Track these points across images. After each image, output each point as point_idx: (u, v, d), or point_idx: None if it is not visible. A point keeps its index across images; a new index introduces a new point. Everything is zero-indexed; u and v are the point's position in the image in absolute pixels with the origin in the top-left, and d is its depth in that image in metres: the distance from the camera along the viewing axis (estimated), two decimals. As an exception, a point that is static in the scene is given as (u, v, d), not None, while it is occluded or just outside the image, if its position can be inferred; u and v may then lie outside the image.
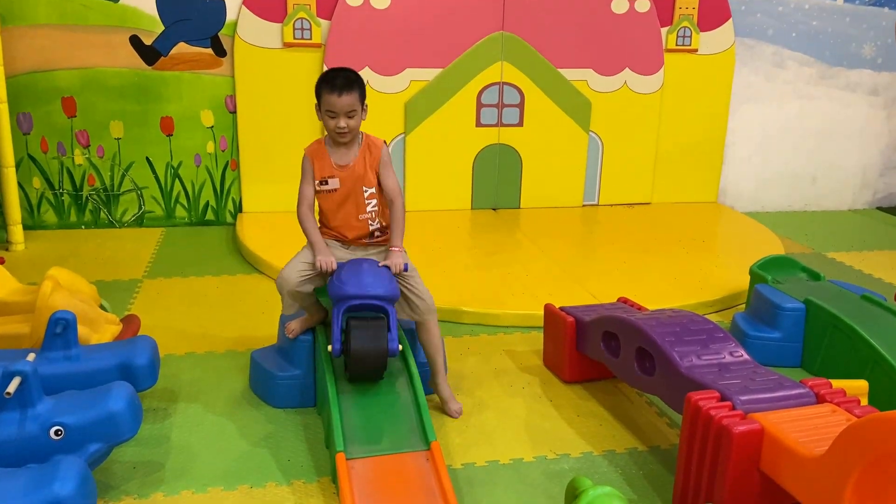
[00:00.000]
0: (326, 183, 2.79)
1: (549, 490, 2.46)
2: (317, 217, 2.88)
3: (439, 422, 2.82)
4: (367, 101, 2.76)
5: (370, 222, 2.81)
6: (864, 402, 2.43)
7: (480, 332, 3.64)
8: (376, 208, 2.80)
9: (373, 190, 2.77)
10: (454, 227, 5.15)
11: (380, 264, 2.70)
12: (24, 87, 4.82)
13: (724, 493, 2.13)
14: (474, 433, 2.78)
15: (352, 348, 2.56)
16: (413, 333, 2.95)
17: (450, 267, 4.33)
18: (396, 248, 2.75)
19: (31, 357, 2.35)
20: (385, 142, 2.82)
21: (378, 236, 2.85)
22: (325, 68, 4.98)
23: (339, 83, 2.67)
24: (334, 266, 2.71)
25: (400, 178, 5.32)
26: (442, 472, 2.28)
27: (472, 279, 4.15)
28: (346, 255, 2.82)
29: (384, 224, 2.84)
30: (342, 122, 2.68)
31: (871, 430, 1.79)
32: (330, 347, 2.59)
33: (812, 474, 1.94)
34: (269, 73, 5.03)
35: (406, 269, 2.72)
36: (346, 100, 2.67)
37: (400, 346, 2.63)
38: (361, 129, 2.78)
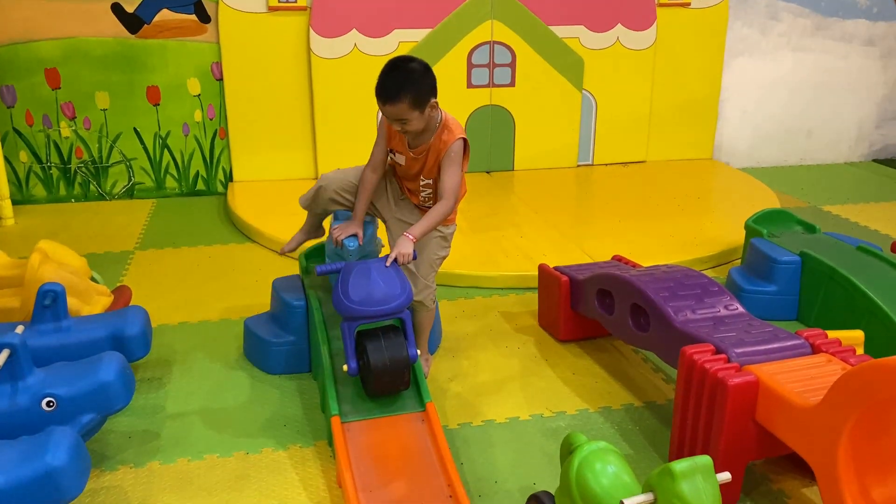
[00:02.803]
0: (394, 154, 2.64)
1: (546, 447, 2.46)
2: None
3: (435, 383, 2.82)
4: (431, 98, 2.43)
5: (422, 193, 2.66)
6: (860, 351, 2.43)
7: (475, 294, 3.63)
8: (431, 195, 2.65)
9: (430, 181, 2.60)
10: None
11: (389, 257, 2.42)
12: (6, 60, 4.74)
13: (721, 446, 2.13)
14: (470, 394, 2.78)
15: (371, 364, 2.34)
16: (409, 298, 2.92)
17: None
18: (409, 236, 2.45)
19: (20, 329, 2.33)
20: (463, 137, 2.51)
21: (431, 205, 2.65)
22: (312, 32, 4.93)
23: (383, 90, 2.42)
24: (340, 239, 2.58)
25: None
26: (438, 433, 2.28)
27: (466, 242, 4.12)
28: (393, 212, 2.71)
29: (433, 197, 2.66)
30: (397, 126, 2.48)
31: (866, 377, 1.78)
32: (345, 368, 2.37)
33: (807, 424, 1.93)
34: (255, 38, 4.94)
35: (414, 258, 2.47)
36: (392, 110, 2.42)
37: (417, 352, 2.43)
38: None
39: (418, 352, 2.47)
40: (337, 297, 2.36)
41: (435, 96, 2.46)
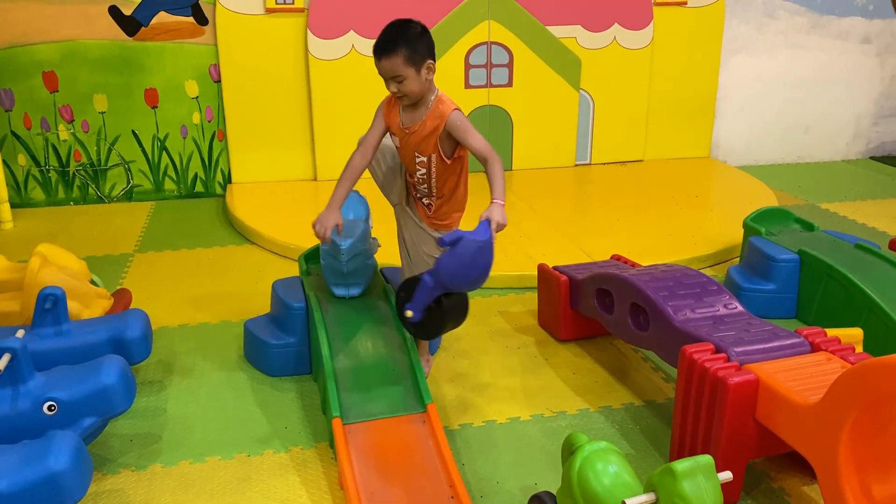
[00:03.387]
0: (392, 137, 2.62)
1: (547, 447, 2.47)
2: None
3: (435, 384, 2.82)
4: (428, 59, 2.41)
5: (418, 188, 2.63)
6: (859, 349, 2.44)
7: (475, 293, 3.63)
8: (425, 176, 2.58)
9: (424, 158, 2.54)
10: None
11: (481, 217, 2.33)
12: (3, 63, 4.74)
13: (721, 444, 2.13)
14: (471, 394, 2.78)
15: (446, 308, 2.39)
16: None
17: (442, 230, 4.30)
18: (497, 201, 2.37)
19: (20, 334, 2.33)
20: (457, 108, 2.49)
21: (432, 212, 2.65)
22: (309, 33, 4.93)
23: (379, 44, 2.40)
24: (325, 237, 2.53)
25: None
26: (439, 434, 2.28)
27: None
28: (412, 224, 2.73)
29: (439, 198, 2.62)
30: (393, 87, 2.44)
31: (865, 375, 1.78)
32: (409, 313, 2.39)
33: (808, 422, 1.94)
34: (253, 39, 4.95)
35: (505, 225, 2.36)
36: (387, 64, 2.40)
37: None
38: (441, 88, 2.51)
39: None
40: (447, 275, 2.30)
41: (432, 59, 2.44)
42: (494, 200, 2.38)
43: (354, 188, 2.70)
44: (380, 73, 2.46)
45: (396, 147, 2.66)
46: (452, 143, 2.52)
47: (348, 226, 2.78)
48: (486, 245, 2.29)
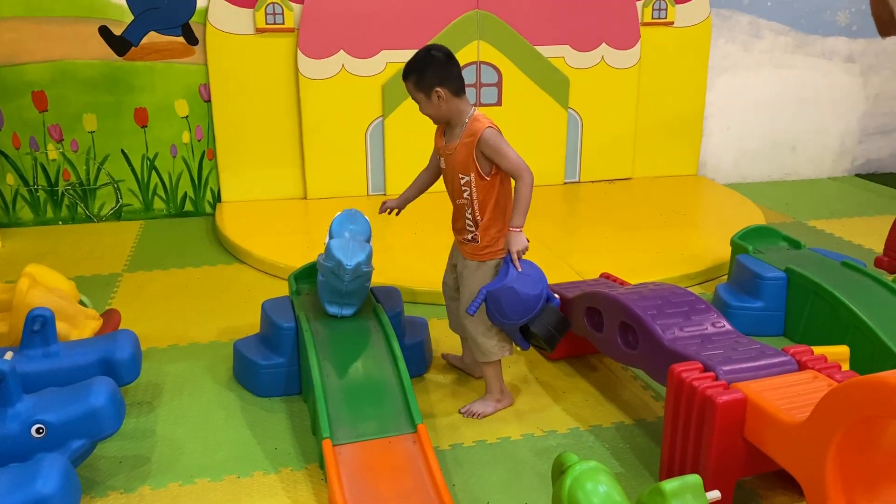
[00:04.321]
0: (439, 159, 2.72)
1: (538, 467, 2.47)
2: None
3: (426, 404, 2.82)
4: (436, 87, 2.50)
5: (466, 211, 2.64)
6: (846, 367, 2.46)
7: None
8: (469, 198, 2.60)
9: (468, 178, 2.57)
10: (436, 209, 5.10)
11: (513, 259, 2.54)
12: (-7, 83, 4.75)
13: (710, 463, 2.14)
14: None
15: (544, 337, 2.63)
16: (398, 319, 2.94)
17: (433, 249, 4.29)
18: (514, 229, 2.51)
19: (8, 356, 2.32)
20: (490, 126, 2.53)
21: (471, 240, 2.66)
22: (299, 53, 4.96)
23: (403, 71, 2.59)
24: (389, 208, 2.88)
25: (379, 162, 5.30)
26: (429, 454, 2.28)
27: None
28: (451, 251, 2.86)
29: (479, 225, 2.63)
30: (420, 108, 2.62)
31: (851, 394, 1.80)
32: (518, 347, 2.73)
33: (795, 440, 1.95)
34: (243, 59, 4.97)
35: (527, 249, 2.55)
36: (406, 88, 2.59)
37: (557, 296, 2.71)
38: (481, 110, 2.64)
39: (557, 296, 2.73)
40: (498, 320, 2.62)
41: (444, 86, 2.51)
42: (510, 228, 2.53)
43: (359, 209, 2.94)
44: None
45: (442, 169, 2.72)
46: (489, 162, 2.56)
47: (355, 246, 2.79)
48: (507, 290, 2.54)
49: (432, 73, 2.51)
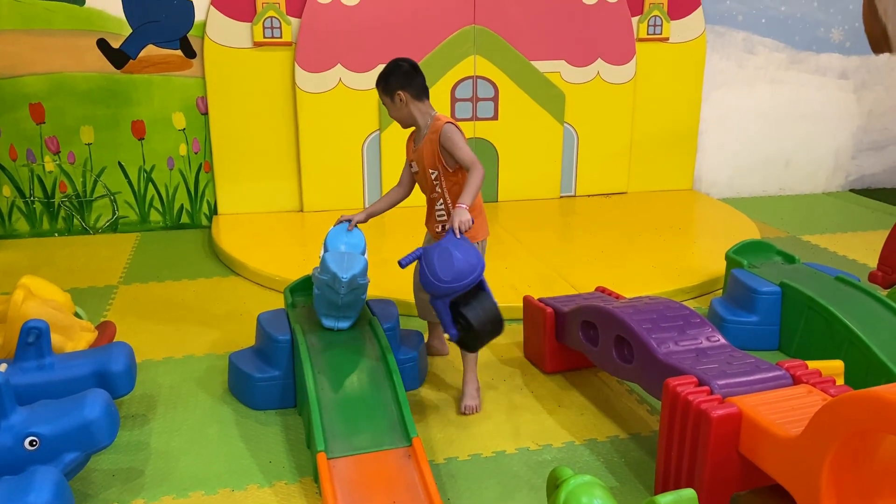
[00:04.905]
0: (412, 166, 2.95)
1: (532, 481, 2.46)
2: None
3: (420, 417, 2.82)
4: (398, 90, 2.79)
5: (438, 203, 2.90)
6: (840, 381, 2.46)
7: (460, 326, 3.64)
8: (441, 192, 2.88)
9: (437, 172, 2.84)
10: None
11: (454, 229, 2.62)
12: (-10, 95, 4.76)
13: (705, 477, 2.14)
14: (456, 427, 2.78)
15: (475, 324, 2.59)
16: (394, 332, 2.94)
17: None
18: (462, 205, 2.65)
19: (3, 368, 2.32)
20: (448, 122, 2.80)
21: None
22: (297, 67, 4.99)
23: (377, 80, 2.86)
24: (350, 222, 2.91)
25: (377, 174, 5.31)
26: (424, 468, 2.28)
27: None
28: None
29: (450, 208, 2.87)
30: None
31: (846, 408, 1.81)
32: (447, 336, 2.73)
33: (789, 455, 1.95)
34: (240, 73, 4.99)
35: (472, 224, 2.66)
36: (379, 96, 2.88)
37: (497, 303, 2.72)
38: (440, 110, 2.90)
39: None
40: (427, 282, 2.58)
41: (404, 90, 2.81)
42: (458, 205, 2.67)
43: (359, 228, 3.00)
44: None
45: (415, 172, 2.96)
46: (451, 155, 2.81)
47: (350, 259, 2.80)
48: (442, 249, 2.57)
49: (395, 79, 2.82)
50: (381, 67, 4.97)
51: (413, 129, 2.95)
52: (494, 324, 2.63)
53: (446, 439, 2.70)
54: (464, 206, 2.65)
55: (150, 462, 2.56)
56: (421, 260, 2.62)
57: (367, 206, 5.32)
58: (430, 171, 2.86)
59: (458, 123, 2.86)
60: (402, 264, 2.62)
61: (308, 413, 2.52)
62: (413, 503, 2.19)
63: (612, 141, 5.73)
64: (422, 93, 2.84)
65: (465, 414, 2.85)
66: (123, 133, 5.00)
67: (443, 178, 2.86)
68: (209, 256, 4.66)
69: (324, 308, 2.86)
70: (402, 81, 2.81)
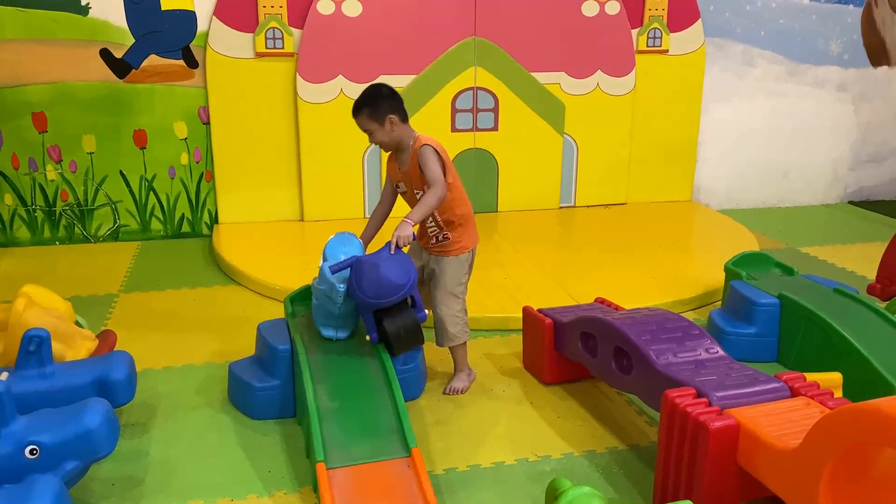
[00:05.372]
0: (399, 187, 2.99)
1: (531, 492, 2.47)
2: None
3: (420, 427, 2.82)
4: (389, 114, 2.83)
5: (427, 223, 2.93)
6: (838, 394, 2.47)
7: (460, 336, 3.65)
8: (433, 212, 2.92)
9: (422, 193, 2.87)
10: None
11: (391, 243, 2.73)
12: (-7, 103, 4.78)
13: (703, 489, 2.15)
14: (455, 438, 2.78)
15: (390, 335, 2.73)
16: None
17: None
18: (408, 221, 2.75)
19: (3, 376, 2.33)
20: (426, 143, 2.84)
21: (441, 240, 2.97)
22: (298, 77, 5.02)
23: (353, 107, 2.88)
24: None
25: (376, 185, 5.33)
26: (423, 479, 2.28)
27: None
28: (418, 258, 3.02)
29: (443, 224, 2.94)
30: (370, 140, 2.91)
31: (844, 421, 1.81)
32: (367, 338, 2.81)
33: (787, 467, 1.96)
34: (242, 83, 5.02)
35: (414, 238, 2.78)
36: (358, 123, 2.89)
37: (427, 311, 2.83)
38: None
39: (427, 312, 2.84)
40: (353, 291, 2.70)
41: (395, 113, 2.85)
42: (404, 219, 2.76)
43: (352, 232, 3.01)
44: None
45: (403, 192, 3.00)
46: None
47: (347, 269, 2.81)
48: (371, 265, 2.66)
49: (385, 103, 2.85)
50: (383, 78, 5.14)
51: (391, 151, 2.99)
52: (411, 337, 2.77)
53: (445, 449, 2.71)
54: (409, 221, 2.74)
55: (150, 471, 2.57)
56: (352, 269, 2.71)
57: (366, 215, 5.36)
58: (417, 191, 2.90)
59: (440, 142, 2.91)
60: (332, 271, 2.74)
61: (308, 423, 2.53)
62: (412, 513, 2.19)
63: (611, 152, 5.75)
64: (405, 116, 2.91)
65: (446, 394, 3.05)
66: (125, 142, 5.02)
67: None
68: (210, 265, 4.67)
69: (322, 318, 2.87)
70: (391, 105, 2.86)
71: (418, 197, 2.88)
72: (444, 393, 3.07)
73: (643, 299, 3.80)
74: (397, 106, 2.87)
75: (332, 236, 2.98)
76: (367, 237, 3.07)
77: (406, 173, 2.91)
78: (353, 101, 2.94)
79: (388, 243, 2.73)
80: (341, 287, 2.76)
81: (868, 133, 6.45)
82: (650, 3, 5.55)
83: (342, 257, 2.89)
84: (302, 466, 2.59)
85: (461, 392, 3.08)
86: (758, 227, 5.56)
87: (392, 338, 2.75)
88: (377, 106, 2.84)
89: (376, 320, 2.78)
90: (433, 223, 2.96)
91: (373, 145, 5.21)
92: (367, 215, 5.38)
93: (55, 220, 5.06)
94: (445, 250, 2.98)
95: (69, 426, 2.21)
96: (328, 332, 2.89)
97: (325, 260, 2.89)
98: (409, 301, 2.79)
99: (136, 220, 5.17)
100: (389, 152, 2.99)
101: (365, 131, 2.89)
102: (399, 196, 3.07)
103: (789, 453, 1.96)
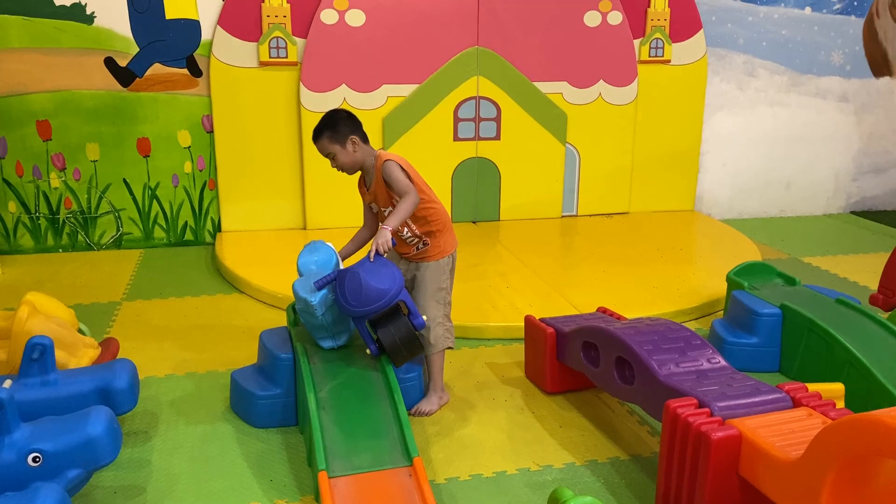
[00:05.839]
0: (372, 207, 3.01)
1: (533, 502, 2.47)
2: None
3: (422, 437, 2.82)
4: (350, 136, 2.85)
5: (404, 231, 2.94)
6: (840, 404, 2.47)
7: (462, 345, 3.65)
8: (407, 223, 2.94)
9: (389, 209, 2.90)
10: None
11: (371, 251, 2.75)
12: (-2, 112, 4.81)
13: (705, 499, 2.15)
14: (457, 447, 2.78)
15: (386, 346, 2.74)
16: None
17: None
18: (386, 227, 2.76)
19: (7, 384, 2.33)
20: (388, 159, 2.86)
21: (421, 248, 2.98)
22: (302, 86, 5.04)
23: (313, 134, 2.90)
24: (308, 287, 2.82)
25: (379, 193, 5.33)
26: (425, 488, 2.28)
27: (453, 292, 4.15)
28: (403, 267, 3.01)
29: (421, 234, 2.95)
30: (332, 164, 2.93)
31: (845, 432, 1.81)
32: (368, 351, 2.81)
33: (789, 478, 1.96)
34: (246, 92, 5.04)
35: (394, 245, 2.80)
36: (319, 147, 2.91)
37: (425, 317, 2.81)
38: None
39: (424, 318, 2.82)
40: (338, 303, 2.72)
41: (355, 134, 2.88)
42: (382, 226, 2.78)
43: (323, 240, 3.03)
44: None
45: (377, 213, 3.01)
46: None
47: (316, 278, 2.81)
48: (352, 274, 2.68)
49: (345, 126, 2.87)
50: (385, 88, 5.17)
51: (359, 173, 2.99)
52: (408, 346, 2.75)
53: (447, 459, 2.71)
54: (387, 228, 2.76)
55: (152, 479, 2.57)
56: (336, 282, 2.73)
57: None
58: (385, 209, 2.92)
59: (401, 155, 2.93)
60: (317, 286, 2.75)
61: (309, 431, 2.53)
62: (414, 523, 2.19)
63: (613, 161, 5.77)
64: (366, 137, 2.94)
65: (412, 416, 2.94)
66: (129, 150, 5.04)
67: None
68: (212, 274, 4.68)
69: (315, 332, 2.89)
70: (351, 127, 2.89)
71: (386, 213, 2.92)
72: (409, 414, 2.91)
73: (645, 309, 3.80)
74: (358, 127, 2.91)
75: (301, 249, 3.00)
76: (346, 252, 3.08)
77: (373, 192, 2.93)
78: (356, 110, 2.95)
79: (369, 253, 2.75)
80: (313, 300, 2.77)
81: (870, 143, 6.46)
82: (652, 14, 5.57)
83: (313, 268, 2.91)
84: (304, 475, 2.59)
85: (427, 415, 2.97)
86: (760, 237, 5.56)
87: (388, 349, 2.74)
88: (337, 128, 2.87)
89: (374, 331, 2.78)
90: (411, 234, 2.96)
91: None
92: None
93: (58, 228, 5.08)
94: (425, 256, 2.99)
95: (72, 434, 2.21)
96: (327, 343, 2.90)
97: (300, 275, 2.91)
98: (405, 310, 2.78)
99: (139, 228, 5.18)
100: (357, 175, 3.00)
101: (326, 155, 2.90)
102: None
103: (791, 464, 1.96)
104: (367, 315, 2.71)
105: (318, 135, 2.90)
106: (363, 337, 2.79)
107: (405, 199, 2.81)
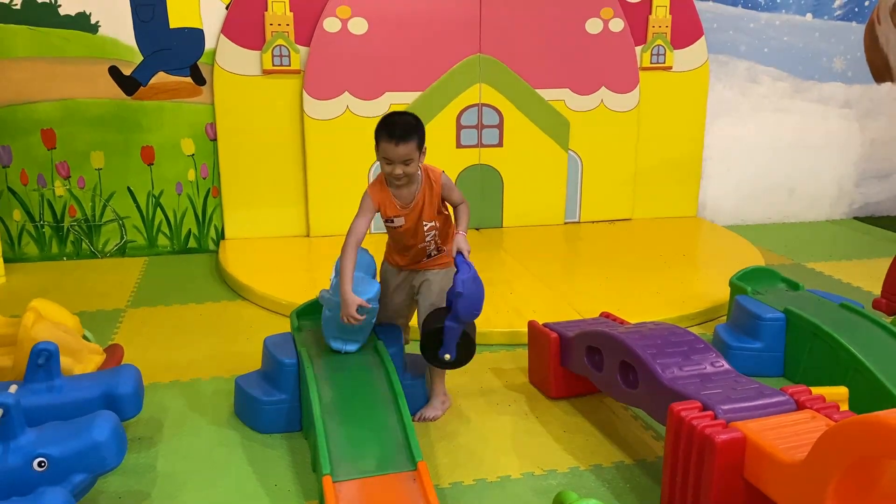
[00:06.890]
0: (392, 221, 2.87)
1: (537, 506, 2.47)
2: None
3: (426, 441, 2.82)
4: (424, 145, 2.78)
5: (430, 248, 2.93)
6: (844, 407, 2.47)
7: (465, 351, 3.65)
8: (435, 236, 2.92)
9: (433, 223, 2.87)
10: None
11: (454, 252, 2.76)
12: (3, 120, 4.83)
13: (710, 502, 2.14)
14: (462, 452, 2.78)
15: (464, 347, 2.81)
16: (399, 356, 2.96)
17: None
18: (461, 233, 2.80)
19: (13, 389, 2.34)
20: (443, 171, 2.87)
21: (434, 255, 2.97)
22: (305, 94, 5.06)
23: (397, 132, 2.66)
24: (357, 318, 2.75)
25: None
26: (429, 492, 2.28)
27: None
28: (395, 279, 3.00)
29: (438, 243, 2.95)
30: (398, 170, 2.71)
31: (850, 434, 1.82)
32: (447, 357, 2.79)
33: (793, 480, 1.96)
34: (249, 100, 5.06)
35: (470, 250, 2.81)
36: (403, 150, 2.68)
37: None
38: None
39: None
40: (473, 307, 2.75)
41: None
42: (458, 231, 2.83)
43: (363, 247, 2.89)
44: (388, 156, 2.71)
45: (398, 227, 2.88)
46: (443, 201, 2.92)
47: (361, 282, 2.83)
48: (476, 279, 2.74)
49: (424, 135, 2.77)
50: (388, 95, 5.19)
51: (381, 184, 2.82)
52: (474, 338, 2.87)
53: (452, 463, 2.71)
54: (463, 232, 2.81)
55: (157, 485, 2.57)
56: (463, 285, 2.68)
57: (372, 231, 5.38)
58: (426, 222, 2.84)
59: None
60: (459, 291, 2.69)
61: (314, 436, 2.53)
62: (418, 527, 2.19)
63: (616, 168, 5.78)
64: None
65: (416, 421, 2.92)
66: (133, 158, 5.06)
67: (437, 226, 2.90)
68: (216, 280, 4.69)
69: (333, 330, 2.88)
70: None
71: (426, 228, 2.85)
72: (413, 420, 2.82)
73: (648, 314, 3.80)
74: None
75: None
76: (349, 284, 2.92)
77: (418, 206, 2.80)
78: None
79: (464, 263, 2.71)
80: (368, 297, 2.79)
81: (873, 149, 6.46)
82: (654, 21, 5.59)
83: (368, 274, 2.94)
84: (308, 480, 2.59)
85: (432, 420, 2.98)
86: (763, 243, 5.56)
87: (467, 351, 2.82)
88: (422, 134, 2.74)
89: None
90: (434, 250, 2.95)
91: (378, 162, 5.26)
92: (373, 231, 5.39)
93: (63, 236, 5.10)
94: (436, 263, 2.97)
95: (77, 439, 2.22)
96: (337, 345, 2.90)
97: (337, 273, 2.87)
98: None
99: (143, 236, 5.20)
100: (377, 188, 2.84)
101: (404, 161, 2.68)
102: (370, 232, 2.89)
103: (795, 466, 1.96)
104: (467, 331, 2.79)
105: (408, 136, 2.66)
106: (450, 342, 2.75)
107: (466, 207, 2.89)
